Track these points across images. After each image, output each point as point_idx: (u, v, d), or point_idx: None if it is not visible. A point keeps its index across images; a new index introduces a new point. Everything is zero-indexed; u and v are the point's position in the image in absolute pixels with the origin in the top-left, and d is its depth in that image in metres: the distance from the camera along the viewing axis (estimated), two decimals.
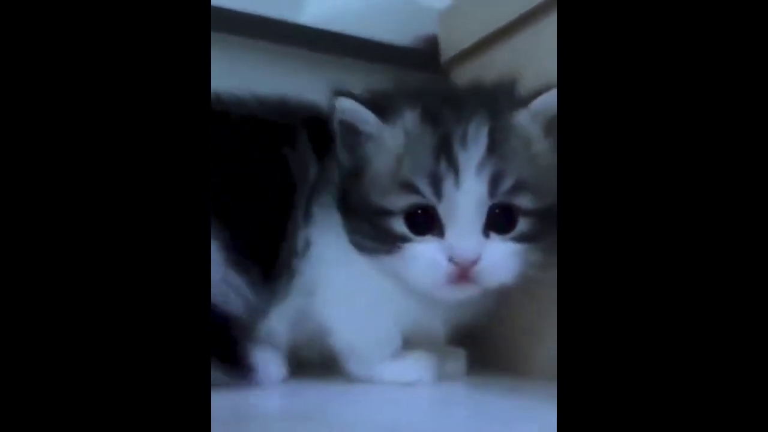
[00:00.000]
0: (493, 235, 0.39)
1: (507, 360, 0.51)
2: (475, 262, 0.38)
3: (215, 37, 0.56)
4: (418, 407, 0.41)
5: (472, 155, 0.38)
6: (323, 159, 0.44)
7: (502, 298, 0.45)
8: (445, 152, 0.38)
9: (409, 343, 0.46)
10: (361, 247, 0.42)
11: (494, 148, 0.39)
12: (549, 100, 0.41)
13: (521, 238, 0.40)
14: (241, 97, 0.46)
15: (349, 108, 0.41)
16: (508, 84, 0.44)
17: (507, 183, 0.39)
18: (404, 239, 0.40)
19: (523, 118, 0.41)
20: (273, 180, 0.43)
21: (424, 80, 0.59)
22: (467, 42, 0.58)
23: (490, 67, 0.54)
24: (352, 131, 0.42)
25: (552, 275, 0.40)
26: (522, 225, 0.40)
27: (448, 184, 0.38)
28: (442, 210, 0.39)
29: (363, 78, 0.63)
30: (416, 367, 0.45)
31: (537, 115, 0.41)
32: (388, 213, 0.40)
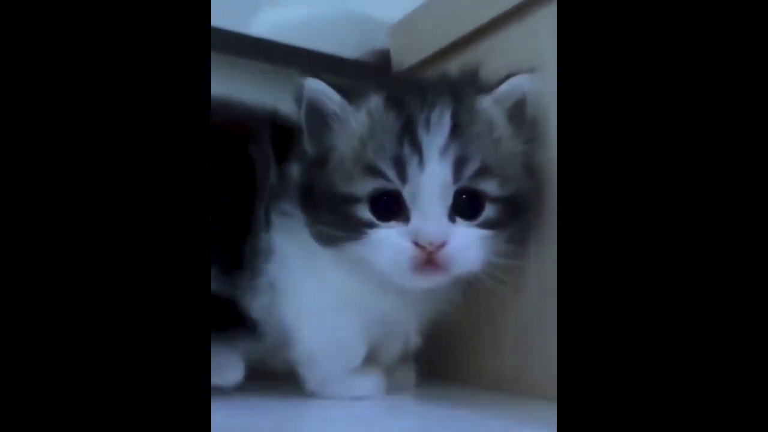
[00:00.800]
0: (459, 220, 0.40)
1: (458, 372, 0.52)
2: (441, 246, 0.38)
3: None
4: (369, 420, 0.41)
5: (435, 138, 0.39)
6: (281, 165, 0.44)
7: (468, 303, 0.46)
8: (408, 135, 0.39)
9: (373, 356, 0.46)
10: (324, 238, 0.41)
11: (458, 132, 0.39)
12: (513, 85, 0.42)
13: (488, 225, 0.40)
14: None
15: (316, 88, 0.42)
16: (471, 71, 0.45)
17: (471, 167, 0.39)
18: (369, 225, 0.40)
19: (486, 103, 0.42)
20: (239, 178, 0.43)
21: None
22: (418, 56, 0.59)
23: None
24: (319, 114, 0.42)
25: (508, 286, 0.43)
26: (488, 211, 0.40)
27: (412, 168, 0.38)
28: (406, 194, 0.39)
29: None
30: (368, 382, 0.45)
31: (501, 100, 0.43)
32: (353, 199, 0.40)
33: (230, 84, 0.61)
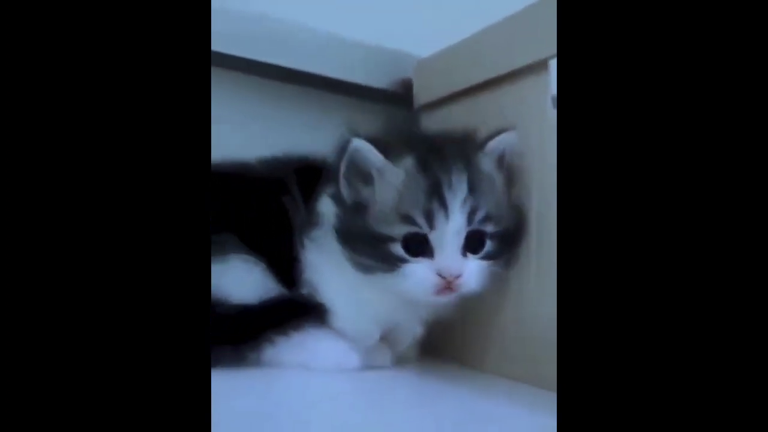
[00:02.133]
0: (469, 255, 0.51)
1: (453, 350, 0.62)
2: (458, 277, 0.50)
3: (222, 73, 0.67)
4: (377, 390, 0.52)
5: (457, 196, 0.50)
6: (307, 203, 0.57)
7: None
8: (437, 194, 0.50)
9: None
10: (363, 268, 0.52)
11: (472, 190, 0.51)
12: (500, 142, 0.54)
13: (488, 256, 0.52)
14: (245, 161, 0.60)
15: (361, 147, 0.52)
16: (471, 134, 0.57)
17: (480, 214, 0.51)
18: (402, 260, 0.51)
19: (484, 161, 0.53)
20: (281, 220, 0.57)
21: (411, 131, 0.70)
22: (437, 94, 0.67)
23: (454, 118, 0.64)
24: (359, 169, 0.53)
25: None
26: (488, 246, 0.52)
27: (439, 218, 0.50)
28: (432, 238, 0.50)
29: (346, 113, 0.77)
30: (378, 356, 0.58)
31: (491, 154, 0.54)
32: (389, 239, 0.51)
33: (269, 106, 0.73)
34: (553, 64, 0.52)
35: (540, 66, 0.53)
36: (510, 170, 0.55)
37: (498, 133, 0.54)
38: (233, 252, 0.54)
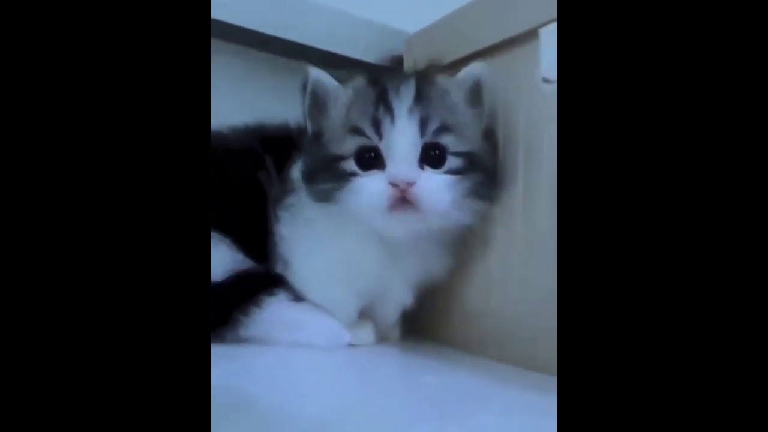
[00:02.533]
0: (427, 168, 0.49)
1: (437, 330, 0.62)
2: (411, 185, 0.47)
3: (216, 44, 0.66)
4: (361, 366, 0.51)
5: (403, 102, 0.49)
6: (280, 172, 0.56)
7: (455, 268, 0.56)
8: (383, 101, 0.50)
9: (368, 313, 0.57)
10: (319, 194, 0.51)
11: (420, 97, 0.50)
12: (469, 71, 0.53)
13: (451, 172, 0.50)
14: (219, 131, 0.58)
15: (317, 76, 0.52)
16: (436, 62, 0.58)
17: (434, 125, 0.49)
18: (354, 174, 0.49)
19: (444, 80, 0.53)
20: (253, 194, 0.55)
21: None
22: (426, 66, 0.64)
23: None
24: (318, 98, 0.53)
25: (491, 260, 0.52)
26: (451, 162, 0.50)
27: (386, 126, 0.49)
28: (383, 147, 0.49)
29: None
30: (361, 333, 0.56)
31: (461, 82, 0.53)
32: (342, 157, 0.50)
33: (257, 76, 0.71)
34: (543, 33, 0.51)
35: (530, 35, 0.52)
36: (479, 98, 0.54)
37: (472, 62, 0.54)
38: None
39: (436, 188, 0.49)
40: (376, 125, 0.49)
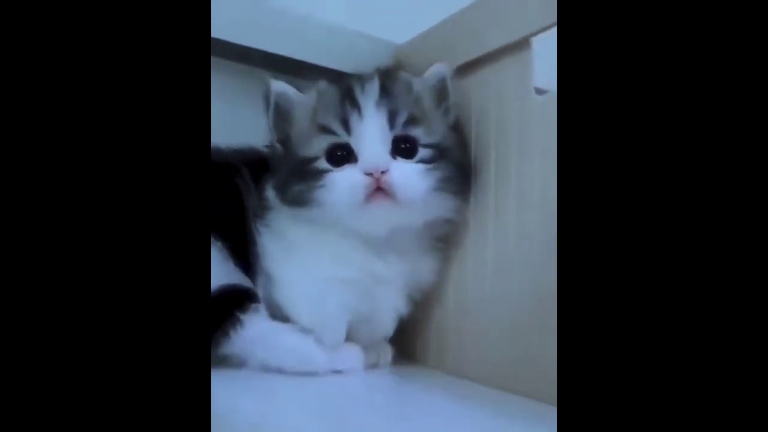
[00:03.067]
0: (399, 158, 0.49)
1: (427, 356, 0.59)
2: (384, 173, 0.47)
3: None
4: (349, 394, 0.48)
5: (369, 97, 0.50)
6: (258, 186, 0.54)
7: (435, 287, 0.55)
8: (349, 98, 0.50)
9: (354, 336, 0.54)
10: (292, 198, 0.50)
11: (386, 91, 0.51)
12: (434, 71, 0.54)
13: (423, 162, 0.50)
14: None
15: (279, 88, 0.53)
16: (399, 64, 0.59)
17: (402, 117, 0.50)
18: (326, 172, 0.49)
19: (407, 76, 0.53)
20: (236, 203, 0.53)
21: None
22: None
23: None
24: (281, 108, 0.53)
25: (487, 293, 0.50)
26: (422, 153, 0.50)
27: (354, 121, 0.49)
28: (353, 142, 0.49)
29: None
30: (349, 357, 0.53)
31: (426, 81, 0.54)
32: (313, 158, 0.50)
33: (237, 91, 0.69)
34: (536, 42, 0.49)
35: (522, 45, 0.50)
36: (445, 94, 0.55)
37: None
38: None
39: (410, 176, 0.49)
40: (345, 122, 0.49)
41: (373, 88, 0.51)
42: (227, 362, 0.49)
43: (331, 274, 0.51)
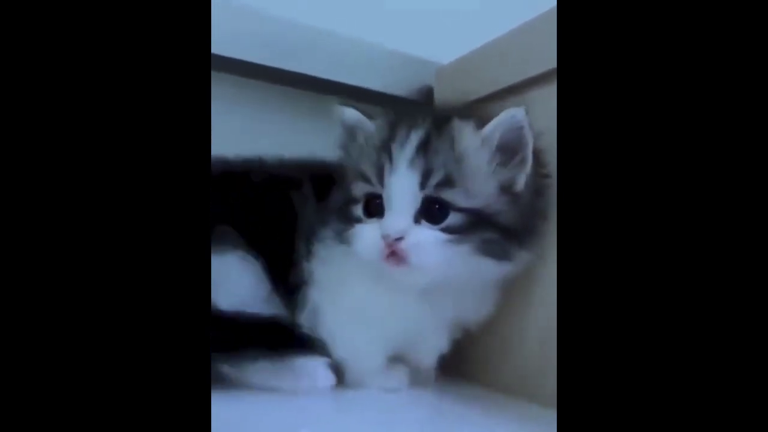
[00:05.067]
0: (424, 222, 0.46)
1: (476, 374, 0.59)
2: (399, 240, 0.45)
3: (235, 80, 0.65)
4: (392, 409, 0.50)
5: (405, 151, 0.46)
6: (321, 202, 0.54)
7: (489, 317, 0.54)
8: (386, 149, 0.48)
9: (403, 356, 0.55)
10: (336, 234, 0.50)
11: (426, 146, 0.46)
12: (502, 118, 0.47)
13: (450, 230, 0.46)
14: (263, 159, 0.57)
15: (350, 115, 0.52)
16: (463, 105, 0.55)
17: (436, 178, 0.45)
18: (358, 221, 0.49)
19: (461, 128, 0.48)
20: (285, 220, 0.53)
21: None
22: (459, 99, 0.63)
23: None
24: (349, 135, 0.52)
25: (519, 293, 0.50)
26: (453, 218, 0.46)
27: (387, 173, 0.47)
28: (384, 196, 0.47)
29: None
30: (393, 377, 0.55)
31: (486, 138, 0.48)
32: (354, 201, 0.50)
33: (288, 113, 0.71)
34: None
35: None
36: (506, 149, 0.48)
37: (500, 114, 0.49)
38: (230, 246, 0.51)
39: (426, 245, 0.45)
40: (379, 173, 0.47)
41: (414, 140, 0.47)
42: (226, 382, 0.49)
43: (371, 314, 0.51)
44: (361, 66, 0.72)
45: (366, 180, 0.49)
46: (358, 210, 0.49)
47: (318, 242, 0.52)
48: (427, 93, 0.72)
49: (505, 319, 0.54)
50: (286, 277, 0.52)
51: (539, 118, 0.51)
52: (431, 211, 0.46)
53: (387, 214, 0.47)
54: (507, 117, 0.47)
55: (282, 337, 0.51)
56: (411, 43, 0.74)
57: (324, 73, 0.70)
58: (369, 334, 0.52)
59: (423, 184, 0.46)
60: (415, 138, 0.47)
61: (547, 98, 0.51)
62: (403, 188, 0.46)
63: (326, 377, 0.51)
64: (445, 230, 0.46)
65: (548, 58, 0.51)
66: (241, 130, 0.64)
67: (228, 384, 0.49)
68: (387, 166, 0.47)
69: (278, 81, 0.71)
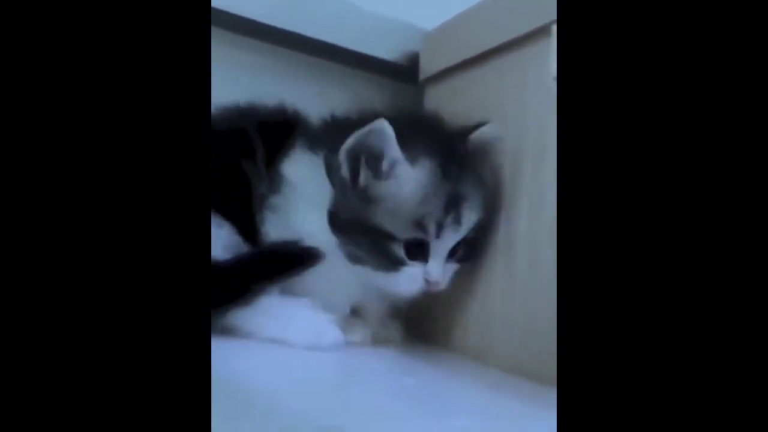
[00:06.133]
0: (450, 259, 0.52)
1: (440, 336, 0.60)
2: (439, 284, 0.51)
3: (216, 33, 0.65)
4: (357, 366, 0.50)
5: (471, 213, 0.51)
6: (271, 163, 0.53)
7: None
8: (455, 208, 0.50)
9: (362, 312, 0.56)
10: (356, 259, 0.51)
11: (480, 206, 0.52)
12: (482, 134, 0.54)
13: (460, 260, 0.53)
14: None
15: (384, 130, 0.47)
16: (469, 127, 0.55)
17: (475, 226, 0.52)
18: (401, 262, 0.50)
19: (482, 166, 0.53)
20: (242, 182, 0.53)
21: (420, 117, 0.64)
22: (444, 64, 0.64)
23: (461, 91, 0.62)
24: (371, 152, 0.48)
25: None
26: (461, 251, 0.53)
27: (447, 230, 0.50)
28: (434, 245, 0.50)
29: (346, 82, 0.74)
30: (355, 332, 0.54)
31: (475, 146, 0.54)
32: (392, 239, 0.49)
33: (271, 71, 0.71)
34: (555, 28, 0.49)
35: (542, 32, 0.50)
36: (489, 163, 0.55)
37: (477, 126, 0.54)
38: None
39: (449, 277, 0.53)
40: (440, 227, 0.50)
41: (476, 203, 0.52)
42: (234, 333, 0.49)
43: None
44: (350, 29, 0.71)
45: (421, 229, 0.50)
46: (398, 250, 0.50)
47: (269, 210, 0.53)
48: (412, 59, 0.72)
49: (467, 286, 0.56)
50: (255, 240, 0.53)
51: (515, 84, 0.53)
52: (456, 249, 0.52)
53: (432, 260, 0.51)
54: (486, 132, 0.54)
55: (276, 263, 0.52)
56: (399, 8, 0.73)
57: (312, 33, 0.69)
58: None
59: (468, 232, 0.52)
60: (476, 199, 0.52)
61: (522, 62, 0.52)
62: (453, 241, 0.51)
63: (334, 335, 0.51)
64: (456, 261, 0.53)
65: (529, 20, 0.51)
66: (224, 88, 0.63)
67: (235, 334, 0.49)
68: (452, 224, 0.50)
69: (266, 39, 0.71)
